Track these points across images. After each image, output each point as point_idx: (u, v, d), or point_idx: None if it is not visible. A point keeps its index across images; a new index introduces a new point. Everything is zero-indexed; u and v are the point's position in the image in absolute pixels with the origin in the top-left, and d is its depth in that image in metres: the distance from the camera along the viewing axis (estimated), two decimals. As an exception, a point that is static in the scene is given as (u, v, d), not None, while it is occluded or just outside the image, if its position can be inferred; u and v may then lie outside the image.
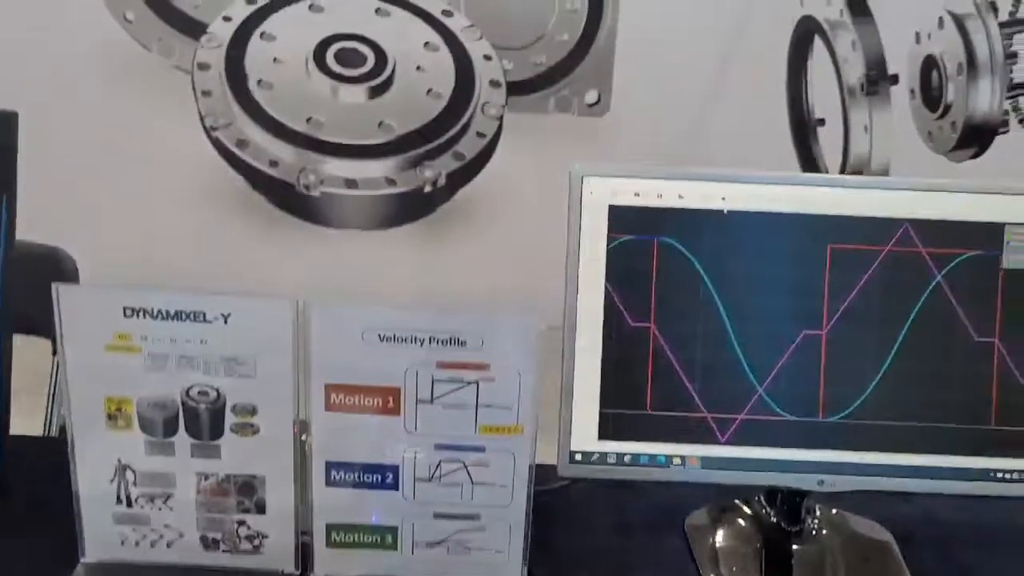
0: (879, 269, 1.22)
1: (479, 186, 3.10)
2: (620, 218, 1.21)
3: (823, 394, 1.23)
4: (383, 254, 3.14)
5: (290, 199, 3.04)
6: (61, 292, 1.10)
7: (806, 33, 2.99)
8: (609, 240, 1.22)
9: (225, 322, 1.11)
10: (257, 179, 3.03)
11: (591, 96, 3.03)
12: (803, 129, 3.10)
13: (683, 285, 1.22)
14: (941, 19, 2.96)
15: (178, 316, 1.11)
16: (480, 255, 3.14)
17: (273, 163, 2.99)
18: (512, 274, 2.73)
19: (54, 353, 1.39)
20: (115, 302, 1.11)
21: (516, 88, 3.01)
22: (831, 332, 1.22)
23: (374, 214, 3.12)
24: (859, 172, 3.11)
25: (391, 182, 3.05)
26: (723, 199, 1.21)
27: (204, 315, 1.11)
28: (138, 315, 1.11)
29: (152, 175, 2.99)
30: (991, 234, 1.22)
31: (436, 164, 3.05)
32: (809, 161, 3.13)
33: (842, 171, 3.12)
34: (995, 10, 2.94)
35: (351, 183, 3.04)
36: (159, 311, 1.11)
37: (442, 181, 3.06)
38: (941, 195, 1.23)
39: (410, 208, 3.11)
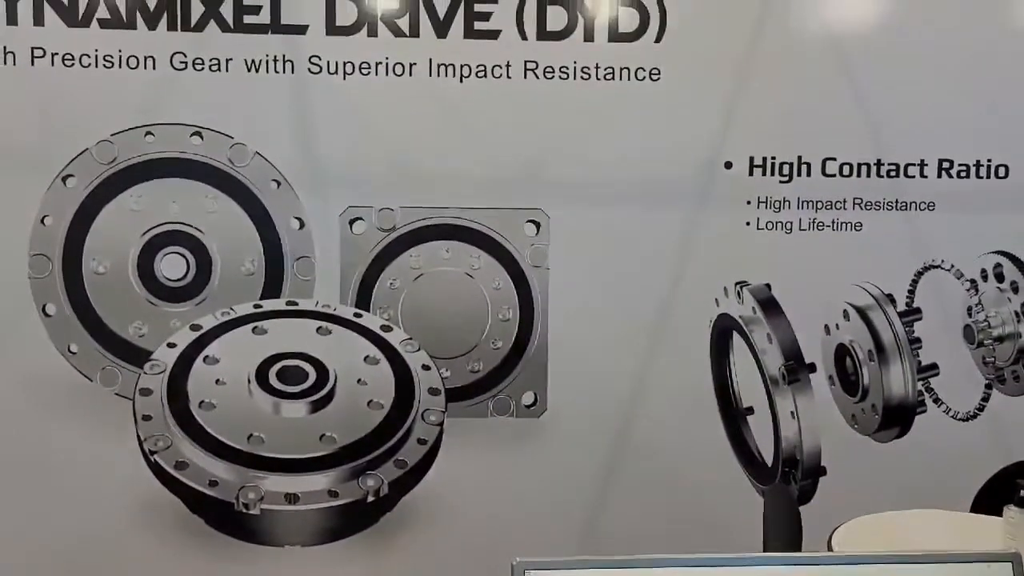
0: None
1: (422, 493, 2.89)
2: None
3: None
4: (326, 571, 2.85)
5: (229, 519, 2.79)
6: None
7: (725, 329, 2.98)
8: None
9: None
10: (196, 500, 2.80)
11: (528, 398, 2.93)
12: (733, 418, 3.01)
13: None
14: (846, 311, 2.99)
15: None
16: (427, 564, 2.87)
17: (212, 483, 2.77)
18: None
19: None
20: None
21: (455, 394, 2.90)
22: None
23: (316, 528, 2.87)
24: (792, 458, 3.00)
25: (334, 494, 2.83)
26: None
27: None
28: None
29: (85, 501, 2.74)
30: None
31: (379, 473, 2.85)
32: (742, 448, 3.02)
33: (775, 457, 3.00)
34: (893, 301, 2.98)
35: (292, 498, 2.81)
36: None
37: (385, 490, 2.85)
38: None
39: (353, 519, 2.87)
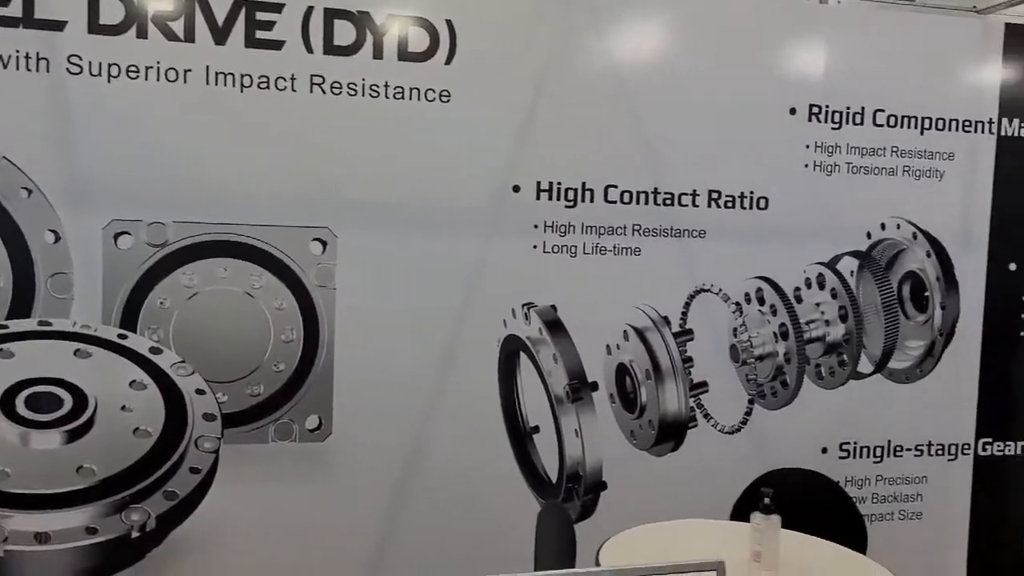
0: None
1: (194, 525, 2.49)
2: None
3: None
4: (81, 617, 2.40)
5: (-37, 566, 2.28)
6: None
7: (513, 350, 2.77)
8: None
9: None
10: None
11: (312, 422, 2.60)
12: (520, 437, 2.80)
13: None
14: (626, 332, 2.86)
15: None
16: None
17: (-55, 525, 2.26)
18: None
19: None
20: None
21: (233, 420, 2.53)
22: None
23: (71, 569, 2.41)
24: (575, 474, 2.83)
25: (92, 531, 2.38)
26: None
27: None
28: None
29: None
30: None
31: (145, 506, 2.42)
32: (528, 466, 2.82)
33: (559, 474, 2.83)
34: (668, 323, 2.89)
35: (42, 537, 2.33)
36: None
37: (152, 524, 2.43)
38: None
39: (115, 557, 2.43)
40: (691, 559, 1.21)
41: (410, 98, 2.61)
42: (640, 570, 1.17)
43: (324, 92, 2.54)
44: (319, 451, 2.62)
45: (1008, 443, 3.22)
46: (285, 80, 2.51)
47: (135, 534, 2.42)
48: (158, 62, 2.41)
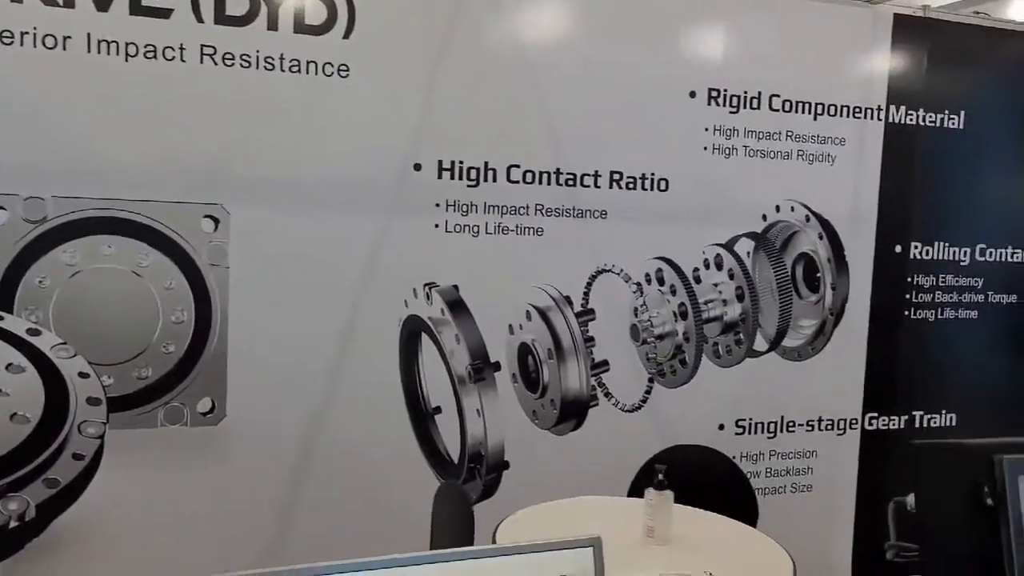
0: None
1: (78, 514, 2.37)
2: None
3: None
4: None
5: None
6: None
7: (414, 330, 2.72)
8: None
9: None
10: None
11: (204, 404, 2.50)
12: (422, 418, 2.76)
13: None
14: (528, 312, 2.84)
15: None
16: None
17: None
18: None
19: None
20: None
21: (119, 403, 2.41)
22: None
23: (-57, 564, 2.25)
24: (478, 454, 2.81)
25: (-34, 523, 2.24)
26: None
27: None
28: None
29: None
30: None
31: (24, 495, 2.29)
32: (430, 447, 2.78)
33: (461, 454, 2.80)
34: (570, 303, 2.88)
35: (-92, 531, 2.18)
36: None
37: (32, 513, 2.30)
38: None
39: (-9, 550, 2.28)
40: (574, 536, 1.20)
41: (307, 72, 2.52)
42: (517, 548, 1.15)
43: (216, 63, 2.43)
44: (212, 435, 2.52)
45: (892, 417, 3.34)
46: (174, 50, 2.39)
47: (13, 524, 2.28)
48: (35, 28, 2.26)
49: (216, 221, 2.47)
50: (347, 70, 2.55)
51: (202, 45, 2.41)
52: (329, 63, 2.53)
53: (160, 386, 2.45)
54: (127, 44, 2.34)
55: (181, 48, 2.39)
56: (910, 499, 3.14)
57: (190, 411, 2.48)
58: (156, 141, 2.41)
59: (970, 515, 1.24)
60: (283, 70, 2.49)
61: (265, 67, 2.48)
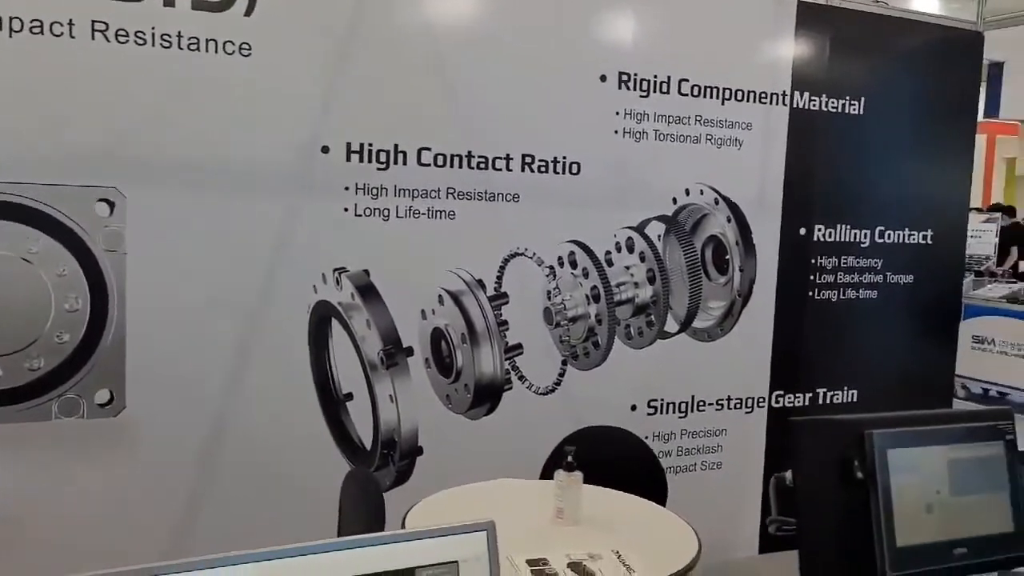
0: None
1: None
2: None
3: None
4: None
5: None
6: None
7: (324, 316, 2.67)
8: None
9: None
10: None
11: (102, 396, 2.40)
12: (333, 405, 2.71)
13: None
14: (441, 296, 2.82)
15: None
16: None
17: None
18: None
19: None
20: None
21: (9, 396, 2.30)
22: None
23: None
24: (391, 440, 2.78)
25: None
26: None
27: None
28: None
29: None
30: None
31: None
32: (342, 435, 2.73)
33: (374, 440, 2.76)
34: (483, 286, 2.87)
35: None
36: None
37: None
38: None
39: None
40: (475, 519, 1.19)
41: (206, 50, 2.43)
42: (409, 535, 1.13)
43: (108, 40, 2.32)
44: (111, 427, 2.42)
45: (797, 395, 3.45)
46: (62, 25, 2.27)
47: None
48: (-94, 0, 2.12)
49: (112, 205, 2.37)
50: (249, 49, 2.47)
51: (93, 21, 2.30)
52: (230, 41, 2.45)
53: (53, 377, 2.34)
54: (11, 19, 2.22)
55: (70, 24, 2.28)
56: (789, 474, 3.24)
57: (87, 403, 2.38)
58: (45, 122, 2.29)
59: (842, 488, 1.28)
60: (181, 48, 2.40)
61: (162, 44, 2.38)
